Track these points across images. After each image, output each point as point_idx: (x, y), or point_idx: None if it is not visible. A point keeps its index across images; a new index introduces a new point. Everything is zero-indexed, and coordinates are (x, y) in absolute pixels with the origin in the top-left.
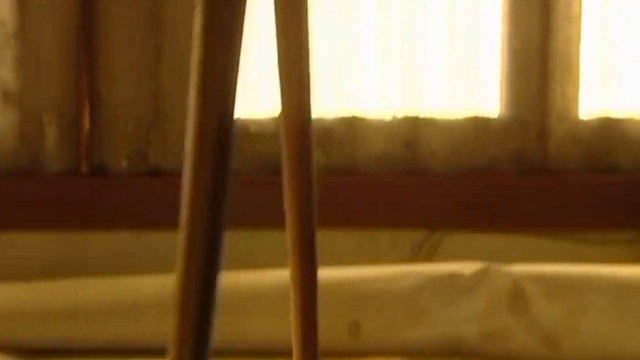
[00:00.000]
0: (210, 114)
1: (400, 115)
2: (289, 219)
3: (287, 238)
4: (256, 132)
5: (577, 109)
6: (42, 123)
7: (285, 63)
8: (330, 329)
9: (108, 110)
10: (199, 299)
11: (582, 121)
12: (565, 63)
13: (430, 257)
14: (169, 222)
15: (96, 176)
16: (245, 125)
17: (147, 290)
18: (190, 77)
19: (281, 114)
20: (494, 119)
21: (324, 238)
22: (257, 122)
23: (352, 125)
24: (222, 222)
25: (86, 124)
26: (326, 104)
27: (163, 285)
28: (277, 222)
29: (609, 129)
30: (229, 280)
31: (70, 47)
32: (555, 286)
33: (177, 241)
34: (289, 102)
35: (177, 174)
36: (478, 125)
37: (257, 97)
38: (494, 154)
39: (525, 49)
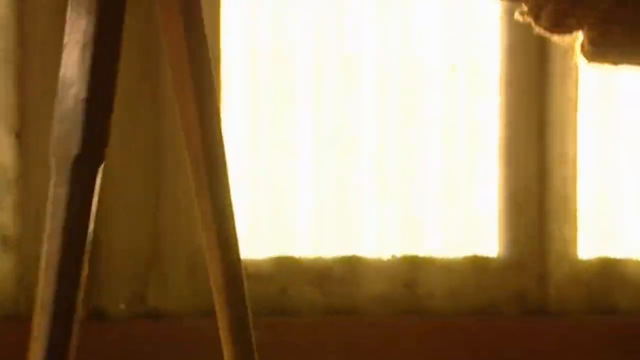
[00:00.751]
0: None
1: (399, 254)
2: None
3: None
4: (253, 273)
5: (575, 249)
6: (40, 268)
7: (209, 224)
8: None
9: (106, 254)
10: None
11: (581, 261)
12: (562, 203)
13: None
14: None
15: (93, 320)
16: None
17: None
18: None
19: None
20: (493, 259)
21: None
22: (255, 263)
23: (350, 265)
24: None
25: None
26: (324, 244)
27: None
28: None
29: (608, 269)
30: None
31: None
32: None
33: None
34: (214, 258)
35: (178, 317)
36: (477, 265)
37: (250, 239)
38: (493, 294)
39: (521, 189)
